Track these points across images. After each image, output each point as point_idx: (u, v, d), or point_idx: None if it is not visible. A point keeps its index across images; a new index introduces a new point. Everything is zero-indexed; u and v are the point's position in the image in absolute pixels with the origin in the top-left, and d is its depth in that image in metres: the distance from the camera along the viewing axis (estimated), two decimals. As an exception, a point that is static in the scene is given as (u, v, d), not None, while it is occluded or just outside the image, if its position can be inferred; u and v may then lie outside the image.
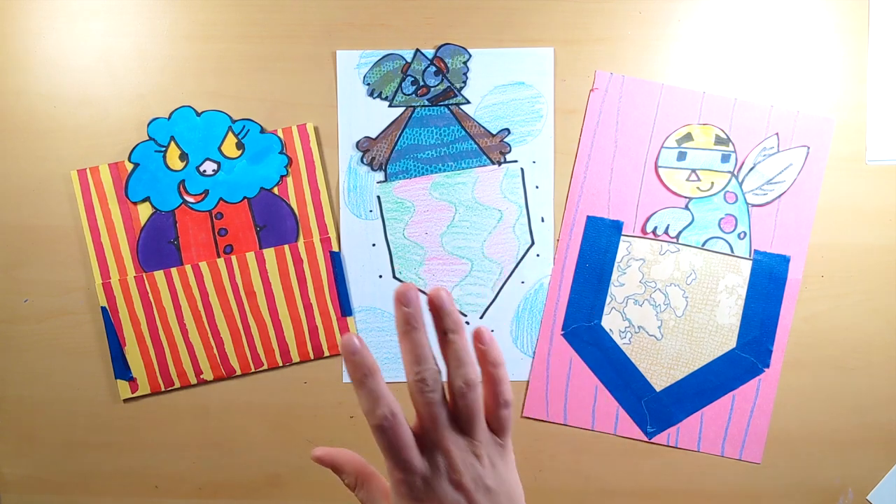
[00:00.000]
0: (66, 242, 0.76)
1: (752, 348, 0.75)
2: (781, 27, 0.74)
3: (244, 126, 0.75)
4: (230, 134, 0.75)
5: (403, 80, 0.75)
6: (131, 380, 0.76)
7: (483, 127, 0.75)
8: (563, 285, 0.76)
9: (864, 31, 0.74)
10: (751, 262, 0.75)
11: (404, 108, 0.76)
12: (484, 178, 0.76)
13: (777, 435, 0.75)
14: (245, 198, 0.75)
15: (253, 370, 0.76)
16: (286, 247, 0.75)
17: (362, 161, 0.76)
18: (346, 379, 0.76)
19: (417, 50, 0.75)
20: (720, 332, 0.75)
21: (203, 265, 0.75)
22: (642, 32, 0.75)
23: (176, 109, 0.75)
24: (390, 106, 0.76)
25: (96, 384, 0.77)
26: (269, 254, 0.75)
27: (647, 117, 0.75)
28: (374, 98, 0.75)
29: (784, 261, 0.74)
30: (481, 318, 0.76)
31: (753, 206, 0.74)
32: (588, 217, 0.75)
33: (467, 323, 0.76)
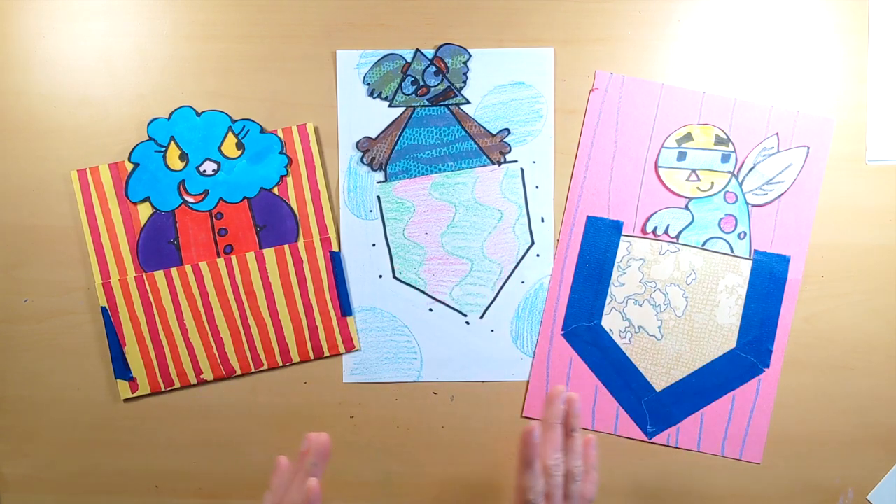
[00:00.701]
0: (66, 242, 0.76)
1: (752, 348, 0.75)
2: (781, 27, 0.74)
3: (244, 126, 0.75)
4: (230, 134, 0.75)
5: (403, 80, 0.75)
6: (131, 380, 0.76)
7: (483, 127, 0.75)
8: (563, 285, 0.76)
9: (864, 31, 0.74)
10: (751, 262, 0.75)
11: (404, 108, 0.76)
12: (484, 178, 0.76)
13: (777, 435, 0.75)
14: (245, 198, 0.75)
15: (253, 370, 0.76)
16: (286, 247, 0.75)
17: (362, 161, 0.76)
18: (346, 379, 0.76)
19: (417, 50, 0.75)
20: (720, 332, 0.75)
21: (203, 265, 0.75)
22: (642, 32, 0.75)
23: (176, 109, 0.75)
24: (390, 106, 0.76)
25: (96, 384, 0.77)
26: (269, 254, 0.75)
27: (647, 117, 0.75)
28: (374, 98, 0.75)
29: (784, 261, 0.74)
30: (481, 318, 0.76)
31: (753, 206, 0.74)
32: (588, 217, 0.75)
33: (467, 323, 0.76)
